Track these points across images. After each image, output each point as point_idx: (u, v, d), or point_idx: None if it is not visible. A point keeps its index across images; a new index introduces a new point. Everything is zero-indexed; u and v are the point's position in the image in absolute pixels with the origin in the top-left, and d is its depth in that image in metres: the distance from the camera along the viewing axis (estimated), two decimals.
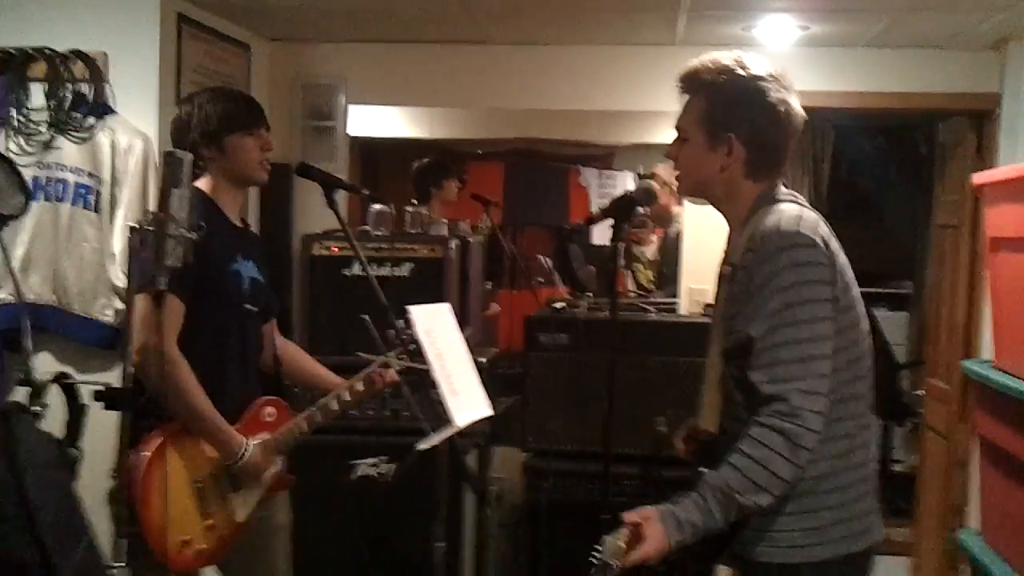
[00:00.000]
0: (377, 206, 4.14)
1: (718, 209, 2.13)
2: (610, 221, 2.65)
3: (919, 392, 5.21)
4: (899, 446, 6.85)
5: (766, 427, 1.87)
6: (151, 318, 2.34)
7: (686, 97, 2.09)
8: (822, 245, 1.93)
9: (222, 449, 2.64)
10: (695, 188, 2.14)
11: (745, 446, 1.88)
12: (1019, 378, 2.93)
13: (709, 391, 2.12)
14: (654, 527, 1.88)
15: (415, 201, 4.60)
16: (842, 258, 1.99)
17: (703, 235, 4.45)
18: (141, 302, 2.28)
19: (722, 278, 2.10)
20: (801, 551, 1.96)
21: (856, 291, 2.01)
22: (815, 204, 2.11)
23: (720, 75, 2.03)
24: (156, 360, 2.37)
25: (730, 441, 1.97)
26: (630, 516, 1.90)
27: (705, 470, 1.97)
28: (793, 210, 1.98)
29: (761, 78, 2.01)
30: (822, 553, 1.96)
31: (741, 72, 2.02)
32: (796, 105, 2.04)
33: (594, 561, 1.83)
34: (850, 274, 2.00)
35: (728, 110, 2.02)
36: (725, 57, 2.05)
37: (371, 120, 5.01)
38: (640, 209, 2.80)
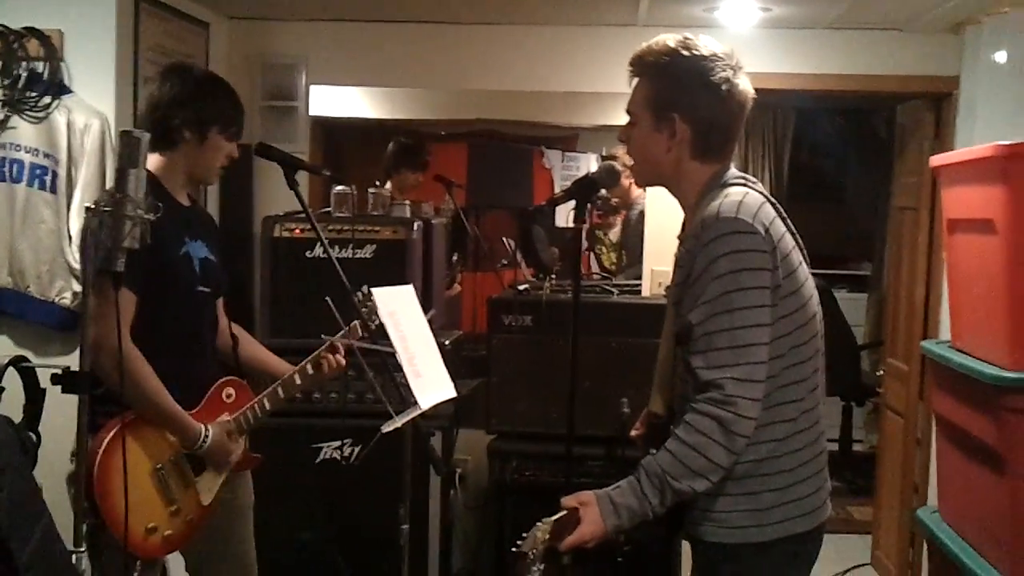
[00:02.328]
0: (339, 187, 4.11)
1: (671, 192, 2.14)
2: (573, 203, 2.65)
3: (879, 372, 5.27)
4: (860, 426, 6.95)
5: (701, 413, 1.89)
6: (103, 308, 2.27)
7: (635, 80, 2.10)
8: (761, 231, 1.93)
9: (182, 438, 2.61)
10: (646, 172, 2.15)
11: (681, 432, 1.91)
12: (975, 357, 2.98)
13: (660, 374, 2.14)
14: (591, 511, 1.93)
15: (378, 183, 4.57)
16: (788, 241, 2.00)
17: (666, 217, 4.45)
18: (91, 296, 2.21)
19: (676, 262, 2.11)
20: (744, 532, 1.99)
21: (803, 274, 2.02)
22: (775, 186, 2.12)
23: (664, 56, 2.04)
24: (109, 353, 2.32)
25: (677, 423, 1.99)
26: (568, 501, 1.95)
27: (653, 451, 1.99)
28: (737, 194, 1.98)
29: (705, 58, 2.02)
30: (765, 534, 1.99)
31: (685, 53, 2.03)
32: (744, 84, 2.05)
33: (514, 550, 1.86)
34: (796, 257, 2.01)
35: (671, 91, 2.04)
36: (672, 39, 2.06)
37: (333, 100, 4.96)
38: (603, 191, 2.81)
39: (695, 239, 1.96)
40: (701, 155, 2.06)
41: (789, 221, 2.06)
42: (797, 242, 2.05)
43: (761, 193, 2.03)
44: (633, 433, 2.32)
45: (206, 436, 2.62)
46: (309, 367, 2.77)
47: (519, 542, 1.89)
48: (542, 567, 1.86)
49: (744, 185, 2.04)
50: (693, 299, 1.94)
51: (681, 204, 2.13)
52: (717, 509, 1.99)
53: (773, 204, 2.04)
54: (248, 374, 2.89)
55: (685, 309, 1.96)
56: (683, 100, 2.02)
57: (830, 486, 2.13)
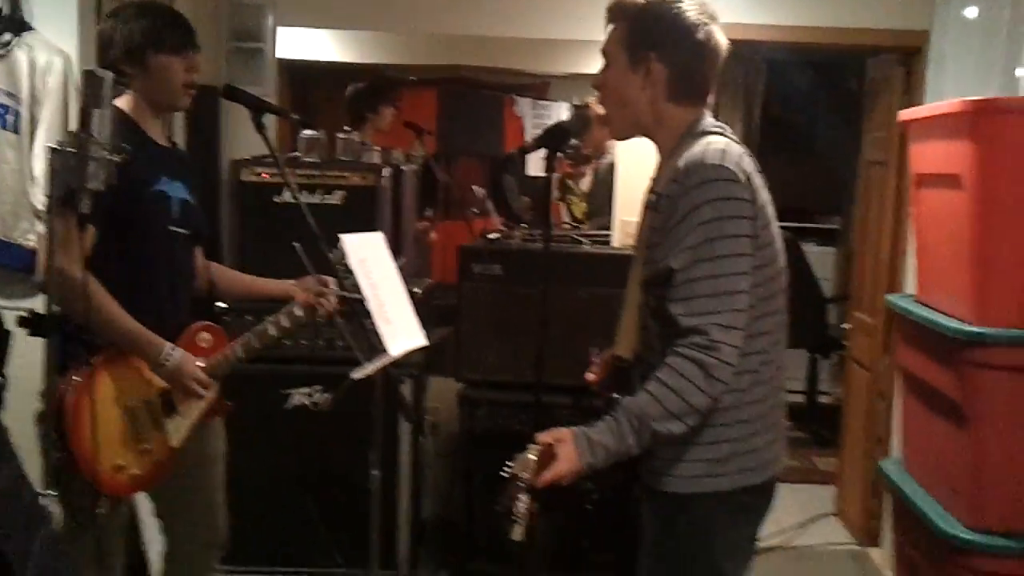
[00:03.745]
0: (308, 132, 4.06)
1: (647, 137, 2.13)
2: (544, 151, 2.64)
3: (845, 326, 5.33)
4: (826, 378, 7.04)
5: (684, 357, 1.90)
6: (67, 242, 2.24)
7: (610, 26, 2.11)
8: (744, 180, 1.95)
9: (144, 355, 2.58)
10: (622, 117, 2.14)
11: (662, 375, 1.91)
12: (940, 312, 3.01)
13: (627, 318, 2.15)
14: (567, 447, 1.92)
15: (347, 128, 4.52)
16: (764, 195, 2.01)
17: (637, 167, 4.44)
18: (57, 225, 2.18)
19: (647, 207, 2.11)
20: (700, 481, 2.01)
21: (775, 228, 2.04)
22: (746, 139, 2.13)
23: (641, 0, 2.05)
24: (72, 285, 2.29)
25: (644, 368, 2.01)
26: (543, 437, 1.95)
27: (618, 396, 2.00)
28: (719, 143, 1.99)
29: (681, 2, 2.04)
30: (720, 484, 2.02)
31: None
32: (719, 33, 2.07)
33: (504, 474, 1.87)
34: (771, 211, 2.03)
35: (648, 30, 2.06)
36: None
37: (301, 43, 4.87)
38: (574, 140, 2.79)
39: (676, 183, 1.95)
40: (677, 98, 2.06)
41: (762, 174, 2.06)
42: (767, 195, 2.06)
43: (737, 143, 2.04)
44: (590, 376, 2.33)
45: (171, 352, 2.59)
46: (283, 318, 2.74)
47: (509, 464, 1.89)
48: (528, 495, 1.87)
49: (723, 135, 2.04)
50: (672, 244, 1.94)
51: (657, 148, 2.13)
52: (675, 459, 2.01)
53: (750, 155, 2.04)
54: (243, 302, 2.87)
55: (661, 254, 1.96)
56: (659, 40, 2.04)
57: (786, 440, 2.15)
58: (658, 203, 2.03)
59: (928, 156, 3.20)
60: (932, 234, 3.21)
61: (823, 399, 6.88)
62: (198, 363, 2.66)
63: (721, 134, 2.05)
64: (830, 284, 7.18)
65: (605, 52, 2.12)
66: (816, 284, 6.65)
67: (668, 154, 2.08)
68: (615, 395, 2.04)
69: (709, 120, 2.09)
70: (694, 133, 2.04)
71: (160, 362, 2.58)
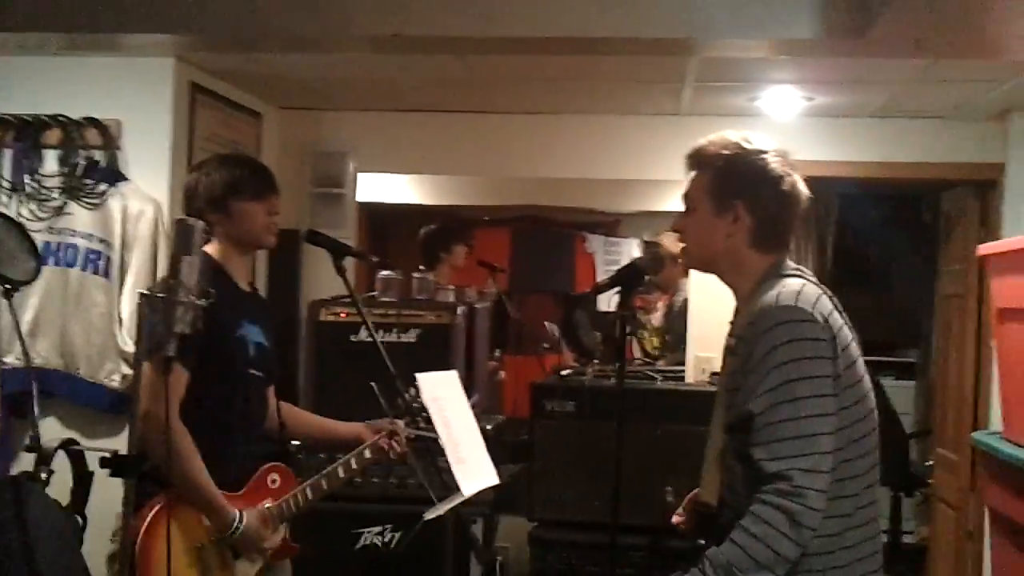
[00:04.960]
0: (385, 272, 4.16)
1: (724, 281, 2.15)
2: (617, 289, 2.66)
3: (928, 462, 5.16)
4: (909, 517, 6.76)
5: (769, 505, 1.86)
6: (154, 386, 2.33)
7: (693, 173, 2.13)
8: (822, 320, 1.93)
9: (216, 522, 2.61)
10: (701, 258, 2.16)
11: (747, 523, 1.87)
12: None
13: (710, 463, 2.11)
14: None
15: (422, 267, 4.62)
16: (846, 333, 1.99)
17: (710, 303, 4.45)
18: (145, 369, 2.27)
19: (727, 350, 2.11)
20: None
21: (861, 367, 2.01)
22: (820, 272, 2.14)
23: (727, 149, 2.09)
24: (157, 428, 2.35)
25: (729, 514, 1.96)
26: None
27: (703, 543, 1.95)
28: (795, 284, 1.99)
29: (766, 152, 2.07)
30: None
31: (747, 146, 2.08)
32: (800, 182, 2.09)
33: None
34: (855, 349, 2.00)
35: (735, 179, 2.07)
36: (731, 134, 2.11)
37: (379, 187, 5.05)
38: (647, 277, 2.81)
39: (752, 327, 1.95)
40: (759, 245, 2.08)
41: (844, 314, 2.05)
42: (853, 335, 2.04)
43: (817, 285, 2.04)
44: (675, 519, 2.28)
45: (239, 524, 2.61)
46: (353, 461, 2.76)
47: None
48: None
49: (801, 277, 2.04)
50: (751, 388, 1.92)
51: (735, 293, 2.14)
52: None
53: (829, 297, 2.03)
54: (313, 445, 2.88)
55: (741, 398, 1.95)
56: (746, 190, 2.05)
57: None
58: (736, 347, 2.02)
59: (1010, 290, 3.15)
60: (1017, 369, 3.13)
61: (907, 539, 6.59)
62: (267, 504, 2.69)
63: (799, 276, 2.05)
64: (910, 419, 6.98)
65: (688, 197, 2.14)
66: (897, 419, 6.46)
67: (747, 298, 2.08)
68: (701, 541, 1.99)
69: (788, 264, 2.10)
70: (772, 277, 2.05)
71: (227, 533, 2.61)
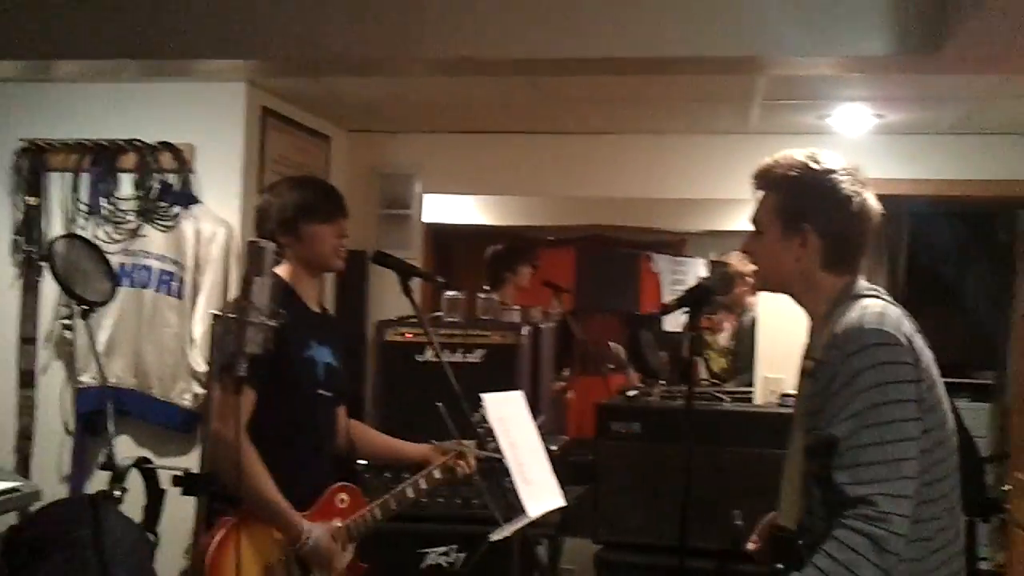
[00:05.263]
0: (451, 293, 4.18)
1: (798, 302, 2.11)
2: (684, 309, 2.63)
3: (1005, 487, 5.01)
4: (985, 542, 6.57)
5: (853, 530, 1.82)
6: (224, 405, 2.36)
7: (760, 193, 2.10)
8: (906, 343, 1.89)
9: (286, 535, 2.63)
10: (773, 281, 2.13)
11: (831, 548, 1.83)
12: None
13: (789, 487, 2.07)
14: None
15: (487, 287, 4.63)
16: (927, 355, 1.95)
17: (779, 323, 4.39)
18: (216, 389, 2.30)
19: (804, 372, 2.07)
20: None
21: (941, 389, 1.97)
22: (891, 290, 2.09)
23: (793, 169, 2.05)
24: (226, 447, 2.38)
25: (808, 538, 1.92)
26: None
27: (782, 567, 1.91)
28: (876, 306, 1.95)
29: (834, 171, 2.03)
30: None
31: (815, 166, 2.04)
32: (872, 199, 2.05)
33: None
34: (935, 371, 1.96)
35: (803, 201, 2.03)
36: (798, 153, 2.07)
37: (445, 207, 5.09)
38: (715, 297, 2.78)
39: (836, 350, 1.92)
40: (832, 266, 2.04)
41: (922, 334, 2.01)
42: (931, 356, 1.99)
43: (896, 306, 2.00)
44: (751, 546, 2.25)
45: (309, 535, 2.63)
46: (422, 481, 2.77)
47: None
48: None
49: (879, 297, 2.01)
50: (835, 411, 1.88)
51: (809, 314, 2.10)
52: None
53: (908, 316, 1.99)
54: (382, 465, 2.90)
55: (823, 421, 1.91)
56: (815, 211, 2.02)
57: None
58: (816, 370, 1.99)
59: None
60: None
61: (983, 565, 6.40)
62: (336, 523, 2.71)
63: (877, 297, 2.01)
64: (985, 442, 6.79)
65: (756, 221, 2.10)
66: (972, 442, 6.27)
67: (822, 319, 2.05)
68: (779, 566, 1.95)
69: (863, 283, 2.06)
70: (848, 298, 2.01)
71: (298, 545, 2.63)
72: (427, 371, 3.89)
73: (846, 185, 2.02)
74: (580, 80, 3.76)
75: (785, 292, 2.12)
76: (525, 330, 4.06)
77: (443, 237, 5.60)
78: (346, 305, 4.57)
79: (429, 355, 3.91)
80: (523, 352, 4.02)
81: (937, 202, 5.04)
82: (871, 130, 4.32)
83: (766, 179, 2.09)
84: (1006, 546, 4.98)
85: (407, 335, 4.02)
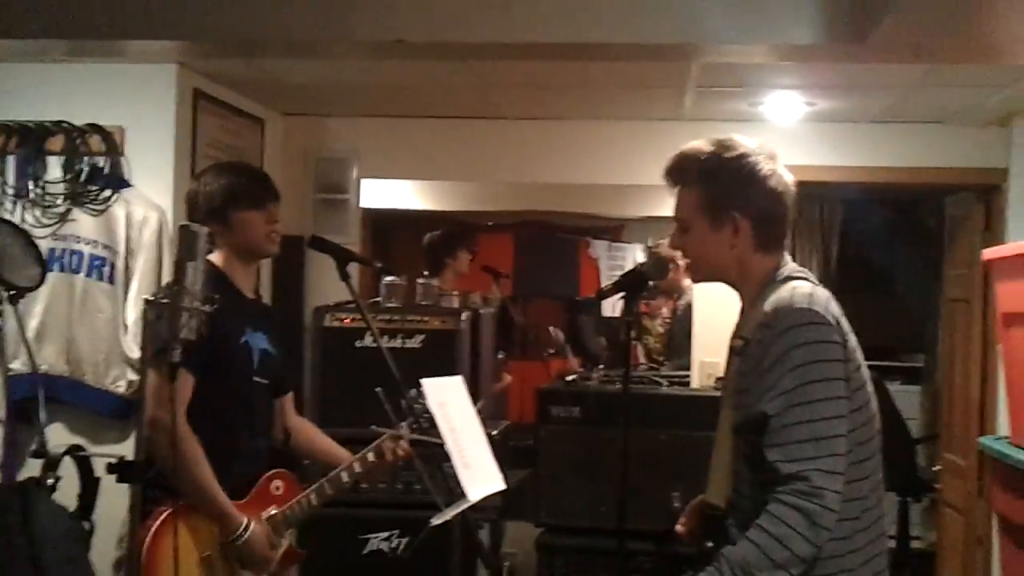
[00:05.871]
0: (389, 278, 4.16)
1: (732, 287, 2.13)
2: (621, 294, 2.65)
3: (935, 467, 5.15)
4: (916, 522, 6.73)
5: (786, 505, 1.85)
6: (161, 391, 2.33)
7: (676, 188, 2.10)
8: (834, 323, 1.93)
9: (222, 527, 2.60)
10: (709, 273, 2.14)
11: (765, 523, 1.86)
12: None
13: (718, 465, 2.10)
14: None
15: (426, 273, 4.62)
16: (853, 338, 1.99)
17: (714, 307, 4.44)
18: (151, 375, 2.27)
19: (732, 351, 2.10)
20: None
21: (866, 371, 2.01)
22: (824, 278, 2.14)
23: (708, 160, 2.05)
24: (165, 434, 2.35)
25: (738, 516, 1.95)
26: None
27: (712, 545, 1.94)
28: (805, 287, 1.99)
29: (747, 154, 2.03)
30: None
31: (728, 153, 2.04)
32: (785, 173, 2.06)
33: None
34: (860, 354, 2.00)
35: (726, 190, 2.03)
36: (705, 144, 2.07)
37: (383, 193, 5.05)
38: (651, 282, 2.80)
39: (766, 328, 1.94)
40: (763, 247, 2.06)
41: (846, 318, 2.05)
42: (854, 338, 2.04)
43: (823, 289, 2.03)
44: (679, 528, 2.27)
45: (245, 529, 2.60)
46: (357, 465, 2.75)
47: None
48: None
49: (806, 279, 2.04)
50: (765, 389, 1.91)
51: (741, 296, 2.13)
52: None
53: (834, 300, 2.03)
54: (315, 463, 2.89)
55: (754, 399, 1.94)
56: (740, 197, 2.02)
57: None
58: (745, 348, 2.01)
59: (1015, 295, 3.15)
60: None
61: (915, 544, 6.57)
62: (271, 511, 2.68)
63: (805, 279, 2.04)
64: (916, 424, 6.96)
65: (680, 219, 2.09)
66: (904, 424, 6.44)
67: (751, 300, 2.07)
68: (709, 544, 1.98)
69: (792, 265, 2.09)
70: (778, 279, 2.04)
71: (233, 539, 2.60)
72: (366, 357, 3.87)
73: (762, 165, 2.02)
74: (516, 65, 3.75)
75: (722, 280, 2.14)
76: (464, 315, 4.06)
77: (381, 222, 5.56)
78: (283, 291, 4.52)
79: (368, 341, 3.89)
80: (463, 337, 4.02)
81: (867, 189, 5.14)
82: (802, 118, 4.38)
83: (681, 174, 2.08)
84: (937, 525, 5.11)
85: (345, 321, 4.00)
